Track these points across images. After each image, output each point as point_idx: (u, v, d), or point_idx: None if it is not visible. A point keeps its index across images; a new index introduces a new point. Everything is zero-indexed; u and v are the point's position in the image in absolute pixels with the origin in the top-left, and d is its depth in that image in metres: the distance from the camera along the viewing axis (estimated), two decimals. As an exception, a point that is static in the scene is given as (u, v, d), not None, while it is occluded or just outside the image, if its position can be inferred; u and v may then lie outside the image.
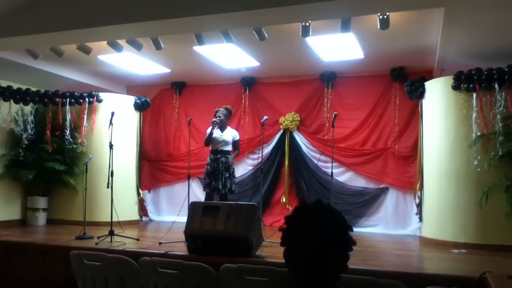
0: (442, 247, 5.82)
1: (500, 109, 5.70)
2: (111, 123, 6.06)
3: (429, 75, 6.94)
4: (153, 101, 8.71)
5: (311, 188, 7.68)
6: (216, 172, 6.22)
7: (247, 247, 4.48)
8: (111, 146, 6.01)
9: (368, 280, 2.88)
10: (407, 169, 7.22)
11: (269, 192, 7.96)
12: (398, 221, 7.26)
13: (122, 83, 8.89)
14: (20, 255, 5.43)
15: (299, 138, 7.95)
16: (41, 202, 7.77)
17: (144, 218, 8.57)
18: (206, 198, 6.38)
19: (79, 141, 7.77)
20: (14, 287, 5.31)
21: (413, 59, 6.82)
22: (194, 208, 4.97)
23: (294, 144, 7.95)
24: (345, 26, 4.97)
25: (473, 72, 5.90)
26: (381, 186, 7.42)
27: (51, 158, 7.63)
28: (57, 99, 7.78)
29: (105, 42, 5.88)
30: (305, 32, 5.17)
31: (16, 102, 7.54)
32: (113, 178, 5.93)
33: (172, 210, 8.29)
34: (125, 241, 5.50)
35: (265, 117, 6.49)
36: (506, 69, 5.69)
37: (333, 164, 6.54)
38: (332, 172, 6.30)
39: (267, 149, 7.97)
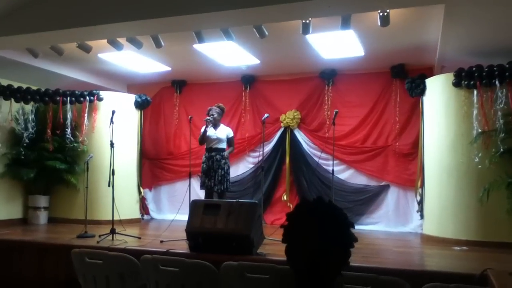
0: (443, 244, 5.82)
1: (501, 106, 5.69)
2: (111, 121, 6.06)
3: (430, 72, 6.92)
4: (153, 99, 8.71)
5: (312, 186, 7.68)
6: (211, 170, 6.25)
7: (248, 245, 4.48)
8: (112, 144, 6.02)
9: (369, 277, 2.88)
10: (408, 166, 7.22)
11: (270, 190, 7.96)
12: (399, 219, 7.26)
13: (122, 81, 8.88)
14: (21, 254, 5.44)
15: (300, 135, 7.95)
16: (42, 200, 7.78)
17: (145, 217, 8.59)
18: (205, 197, 6.40)
19: (80, 139, 7.78)
20: (15, 286, 5.32)
21: (414, 56, 6.81)
22: (195, 206, 4.97)
23: (294, 142, 7.95)
24: (345, 23, 4.96)
25: (473, 69, 5.89)
26: (382, 183, 7.42)
27: (52, 157, 7.64)
28: (58, 98, 7.79)
29: (105, 41, 5.88)
30: (305, 29, 5.16)
31: (17, 101, 7.54)
32: (114, 176, 5.93)
33: (173, 208, 8.27)
34: (127, 240, 5.51)
35: (265, 115, 6.49)
36: (507, 66, 5.68)
37: (334, 162, 6.54)
38: (333, 170, 6.30)
39: (268, 147, 7.97)
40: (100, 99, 7.93)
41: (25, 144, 7.54)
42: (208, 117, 6.31)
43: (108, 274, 3.61)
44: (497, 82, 5.71)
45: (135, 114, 8.44)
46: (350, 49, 6.52)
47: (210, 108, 6.47)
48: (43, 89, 7.83)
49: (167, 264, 3.43)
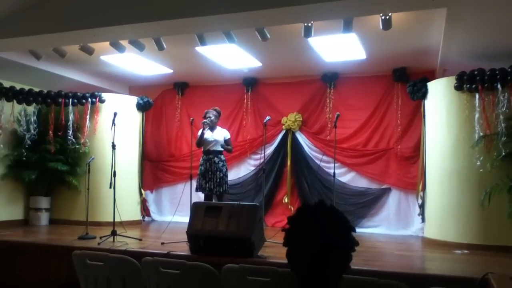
0: (444, 248, 5.81)
1: (503, 109, 5.69)
2: (113, 123, 6.07)
3: (432, 76, 6.92)
4: (155, 101, 8.73)
5: (313, 189, 7.68)
6: (209, 172, 6.25)
7: (249, 247, 4.48)
8: (113, 146, 6.03)
9: (370, 280, 2.87)
10: (409, 169, 7.21)
11: (271, 192, 7.96)
12: (400, 222, 7.25)
13: (124, 83, 8.90)
14: (22, 255, 5.44)
15: (301, 138, 7.95)
16: (44, 202, 7.79)
17: (146, 218, 8.59)
18: (205, 199, 6.39)
19: (82, 141, 7.79)
20: (16, 287, 5.32)
21: (416, 59, 6.81)
22: (196, 208, 4.98)
23: (296, 145, 7.95)
24: (347, 26, 4.97)
25: (475, 72, 5.88)
26: (384, 186, 7.41)
27: (54, 158, 7.66)
28: (60, 100, 7.81)
29: (107, 43, 5.90)
30: (307, 32, 5.17)
31: (19, 102, 7.56)
32: (116, 178, 5.94)
33: (174, 210, 8.30)
34: (128, 241, 5.51)
35: (267, 118, 6.49)
36: (509, 69, 5.67)
37: (335, 165, 6.53)
38: (334, 173, 6.28)
39: (269, 150, 7.97)
40: (102, 101, 7.95)
41: (27, 146, 7.56)
42: (205, 120, 6.32)
43: (109, 276, 3.61)
44: (499, 86, 5.71)
45: (137, 116, 8.46)
46: (352, 52, 6.52)
47: (206, 111, 6.48)
48: (45, 91, 7.85)
49: (168, 266, 3.43)
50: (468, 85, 5.95)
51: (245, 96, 8.33)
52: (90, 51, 6.18)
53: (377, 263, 4.65)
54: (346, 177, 7.58)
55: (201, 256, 4.46)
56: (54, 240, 5.98)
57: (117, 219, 5.81)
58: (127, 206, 7.54)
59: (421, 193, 6.78)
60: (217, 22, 5.08)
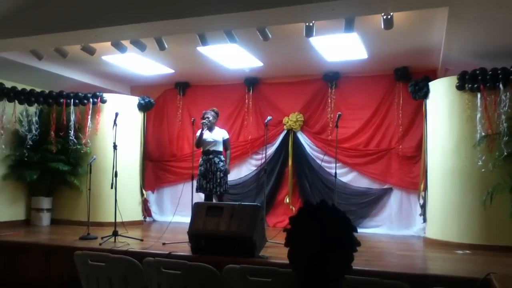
0: (446, 248, 5.80)
1: (505, 109, 5.68)
2: (115, 123, 6.07)
3: (433, 75, 6.91)
4: (156, 101, 8.73)
5: (315, 189, 7.67)
6: (209, 173, 6.25)
7: (250, 247, 4.48)
8: (115, 146, 6.03)
9: (372, 280, 2.87)
10: (411, 169, 7.20)
11: (273, 192, 7.95)
12: (402, 222, 7.23)
13: (126, 83, 8.91)
14: (24, 255, 5.45)
15: (303, 138, 7.95)
16: (45, 202, 7.80)
17: (147, 219, 8.59)
18: (205, 199, 6.39)
19: (83, 141, 7.80)
20: (19, 287, 5.33)
21: (417, 59, 6.80)
22: (197, 208, 4.98)
23: (297, 145, 7.94)
24: (349, 26, 4.96)
25: (477, 72, 5.87)
26: (385, 186, 7.40)
27: (55, 159, 7.67)
28: (62, 100, 7.82)
29: (109, 43, 5.90)
30: (309, 32, 5.17)
31: (21, 102, 7.57)
32: (117, 178, 5.94)
33: (175, 210, 8.30)
34: (129, 242, 5.51)
35: (268, 118, 6.49)
36: (511, 69, 5.67)
37: (337, 165, 6.52)
38: (335, 172, 6.27)
39: (271, 150, 7.97)
40: (103, 101, 7.96)
41: (28, 146, 7.57)
42: (203, 121, 6.32)
43: (110, 276, 3.61)
44: (501, 85, 5.70)
45: (139, 116, 8.46)
46: (354, 51, 6.52)
47: (205, 112, 6.48)
48: (47, 91, 7.86)
49: (169, 266, 3.43)
50: (470, 85, 5.94)
51: (246, 96, 8.32)
52: (91, 51, 6.19)
53: (379, 263, 4.65)
54: (348, 177, 7.57)
55: (202, 256, 4.45)
56: (55, 240, 5.99)
57: (118, 220, 5.81)
58: (129, 207, 7.54)
59: (422, 193, 6.77)
60: (218, 21, 5.08)
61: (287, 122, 7.93)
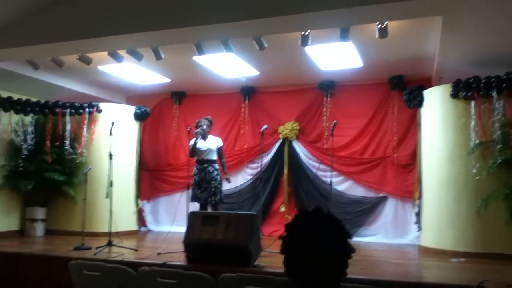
0: (441, 256, 5.80)
1: (499, 117, 5.72)
2: (111, 133, 6.08)
3: (428, 83, 6.95)
4: (153, 110, 8.74)
5: (310, 197, 7.67)
6: (204, 182, 6.24)
7: (246, 256, 4.47)
8: (110, 156, 6.03)
9: (367, 289, 2.88)
10: (406, 177, 7.22)
11: (268, 201, 7.95)
12: (397, 230, 7.24)
13: (122, 93, 8.92)
14: (18, 266, 5.41)
15: (298, 147, 7.96)
16: (40, 212, 7.75)
17: (142, 228, 8.55)
18: (200, 209, 6.36)
19: (79, 151, 7.78)
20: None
21: (412, 67, 6.86)
22: (193, 217, 4.98)
23: (293, 153, 7.96)
24: (344, 35, 5.00)
25: (471, 80, 5.93)
26: (380, 195, 7.41)
27: (51, 168, 7.64)
28: (57, 110, 7.82)
29: (105, 53, 5.92)
30: (304, 41, 5.20)
31: (17, 112, 7.57)
32: (112, 188, 5.92)
33: (171, 220, 8.27)
34: (124, 252, 5.49)
35: (264, 126, 6.49)
36: (504, 77, 5.73)
37: (332, 173, 6.53)
38: (331, 181, 6.28)
39: (267, 158, 7.98)
40: (99, 111, 7.96)
41: (24, 156, 7.54)
42: (197, 130, 6.32)
43: (105, 286, 3.60)
44: (494, 93, 5.75)
45: (135, 126, 8.46)
46: (349, 60, 6.56)
47: (198, 120, 6.48)
48: (42, 101, 7.86)
49: (165, 276, 3.43)
50: (464, 93, 5.99)
51: (242, 105, 8.35)
52: (88, 61, 6.20)
53: (374, 272, 4.65)
54: (343, 185, 7.59)
55: (198, 265, 4.44)
56: (50, 251, 5.95)
57: (113, 230, 5.79)
58: (124, 216, 7.52)
59: (417, 201, 6.78)
60: (215, 31, 5.11)
61: (283, 130, 7.95)
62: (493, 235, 5.67)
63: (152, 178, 8.80)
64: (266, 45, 5.39)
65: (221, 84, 7.96)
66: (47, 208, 7.88)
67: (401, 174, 7.27)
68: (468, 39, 5.33)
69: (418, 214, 6.76)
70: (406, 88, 7.06)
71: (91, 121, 7.90)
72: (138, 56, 5.94)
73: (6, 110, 7.44)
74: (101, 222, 7.04)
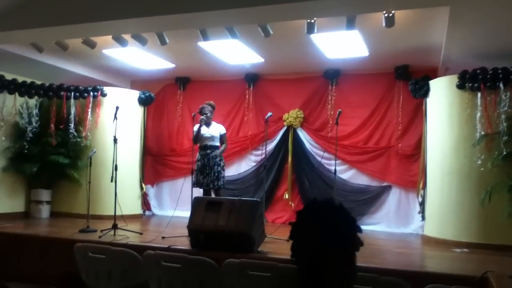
0: (444, 246, 5.83)
1: (505, 108, 5.69)
2: (115, 117, 6.08)
3: (434, 74, 6.92)
4: (157, 96, 8.73)
5: (314, 185, 7.69)
6: (206, 167, 6.25)
7: (249, 242, 4.49)
8: (115, 140, 6.04)
9: (370, 277, 2.89)
10: (410, 167, 7.22)
11: (272, 188, 7.97)
12: (400, 220, 7.27)
13: (126, 77, 8.90)
14: (23, 247, 5.46)
15: (303, 135, 7.96)
16: (45, 195, 7.81)
17: (147, 212, 8.61)
18: (203, 195, 6.39)
19: (83, 134, 7.80)
20: (17, 279, 5.34)
21: (418, 57, 6.81)
22: (197, 203, 5.00)
23: (297, 141, 7.96)
24: (350, 23, 4.97)
25: (478, 71, 5.88)
26: (384, 184, 7.43)
27: (55, 151, 7.67)
28: (62, 93, 7.82)
29: (110, 37, 5.90)
30: (310, 29, 5.17)
31: (21, 95, 7.58)
32: (117, 172, 5.95)
33: (175, 204, 8.27)
34: (128, 235, 5.53)
35: (269, 114, 6.49)
36: (511, 69, 5.68)
37: (336, 162, 6.54)
38: (335, 170, 6.27)
39: (271, 146, 7.98)
40: (104, 95, 7.95)
41: (28, 138, 7.57)
42: (202, 117, 6.32)
43: (110, 269, 3.64)
44: (501, 85, 5.71)
45: (139, 111, 8.47)
46: (355, 49, 6.52)
47: (202, 106, 6.45)
48: (47, 84, 7.86)
49: (169, 260, 3.45)
50: (470, 84, 5.95)
51: (246, 92, 8.33)
52: (92, 45, 6.19)
53: (377, 260, 4.66)
54: (347, 174, 7.59)
55: (202, 250, 4.47)
56: (55, 233, 6.01)
57: (118, 213, 5.82)
58: (128, 200, 7.56)
59: (421, 191, 6.79)
60: (220, 17, 5.08)
61: (287, 118, 7.94)
62: (497, 226, 5.68)
63: (155, 163, 8.83)
64: (271, 32, 5.36)
65: (226, 70, 7.94)
66: (52, 191, 7.93)
67: (405, 164, 7.26)
68: (475, 30, 5.28)
69: (421, 204, 6.77)
70: (412, 78, 7.03)
71: (96, 105, 7.90)
72: (142, 41, 5.91)
73: (10, 93, 7.44)
74: (105, 205, 7.11)
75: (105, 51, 6.95)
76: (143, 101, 8.44)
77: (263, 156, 7.07)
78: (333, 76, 7.75)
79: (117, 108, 6.17)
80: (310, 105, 7.93)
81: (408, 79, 7.14)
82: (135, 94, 8.40)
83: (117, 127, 6.09)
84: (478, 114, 5.87)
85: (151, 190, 8.78)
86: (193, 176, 6.29)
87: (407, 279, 3.07)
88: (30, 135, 7.58)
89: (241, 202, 4.78)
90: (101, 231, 5.66)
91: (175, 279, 3.39)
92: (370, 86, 7.58)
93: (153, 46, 6.20)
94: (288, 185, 7.92)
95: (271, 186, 7.94)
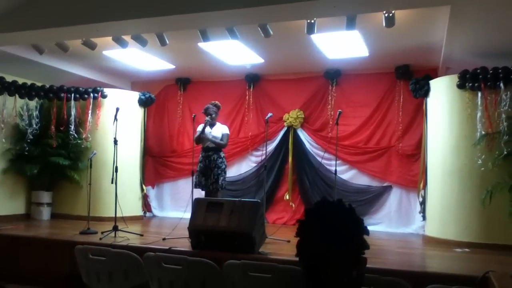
0: (445, 246, 5.82)
1: (505, 108, 5.68)
2: (115, 118, 6.08)
3: (434, 74, 6.91)
4: (157, 97, 8.73)
5: (314, 186, 7.68)
6: (208, 169, 6.25)
7: (250, 243, 4.49)
8: (115, 141, 6.04)
9: (371, 277, 2.88)
10: (410, 167, 7.21)
11: (273, 189, 7.97)
12: (401, 220, 7.26)
13: (126, 78, 8.90)
14: (24, 249, 5.46)
15: (303, 135, 7.95)
16: (45, 196, 7.81)
17: (147, 214, 8.60)
18: (205, 196, 6.39)
19: (84, 136, 7.80)
20: (19, 281, 5.34)
21: (418, 57, 6.81)
22: (198, 204, 4.99)
23: (297, 141, 7.95)
24: (351, 23, 4.96)
25: (478, 71, 5.87)
26: (385, 184, 7.42)
27: (56, 153, 7.67)
28: (62, 94, 7.82)
29: (110, 38, 5.90)
30: (310, 29, 5.16)
31: (21, 96, 7.57)
32: (117, 173, 5.95)
33: (175, 206, 8.33)
34: (129, 237, 5.52)
35: (269, 114, 6.49)
36: (512, 68, 5.68)
37: (337, 162, 6.54)
38: (335, 170, 6.26)
39: (271, 146, 7.98)
40: (104, 96, 7.95)
41: (29, 140, 7.58)
42: (207, 118, 6.32)
43: (111, 270, 3.64)
44: (501, 85, 5.70)
45: (139, 112, 8.46)
46: (355, 49, 6.52)
47: (207, 107, 6.43)
48: (47, 86, 7.85)
49: (170, 261, 3.45)
50: (470, 84, 5.94)
51: (247, 92, 8.32)
52: (92, 46, 6.19)
53: (378, 261, 4.65)
54: (347, 174, 7.59)
55: (203, 251, 4.47)
56: (55, 235, 6.00)
57: (118, 215, 5.82)
58: (129, 202, 7.54)
59: (422, 191, 6.78)
60: (220, 18, 5.08)
61: (288, 119, 7.94)
62: (498, 226, 5.67)
63: (156, 164, 8.83)
64: (271, 32, 5.36)
65: (226, 71, 7.94)
66: (52, 192, 7.93)
67: (406, 164, 7.26)
68: (476, 30, 5.27)
69: (422, 204, 6.76)
70: (412, 78, 7.01)
71: (96, 106, 7.90)
72: (142, 42, 5.91)
73: (11, 94, 7.44)
74: (106, 207, 7.11)
75: (105, 52, 6.95)
76: (143, 102, 8.43)
77: (264, 156, 7.06)
78: (333, 76, 7.74)
79: (117, 109, 6.16)
80: (311, 106, 7.92)
81: (408, 79, 7.13)
82: (135, 95, 8.40)
83: (118, 128, 6.09)
84: (479, 114, 5.86)
85: (151, 192, 8.77)
86: (195, 177, 6.28)
87: (408, 279, 3.07)
88: (31, 136, 7.58)
89: (242, 203, 4.77)
90: (102, 232, 5.65)
91: (176, 281, 3.39)
92: (370, 86, 7.57)
93: (153, 47, 6.20)
94: (289, 186, 7.91)
95: (271, 186, 7.93)
